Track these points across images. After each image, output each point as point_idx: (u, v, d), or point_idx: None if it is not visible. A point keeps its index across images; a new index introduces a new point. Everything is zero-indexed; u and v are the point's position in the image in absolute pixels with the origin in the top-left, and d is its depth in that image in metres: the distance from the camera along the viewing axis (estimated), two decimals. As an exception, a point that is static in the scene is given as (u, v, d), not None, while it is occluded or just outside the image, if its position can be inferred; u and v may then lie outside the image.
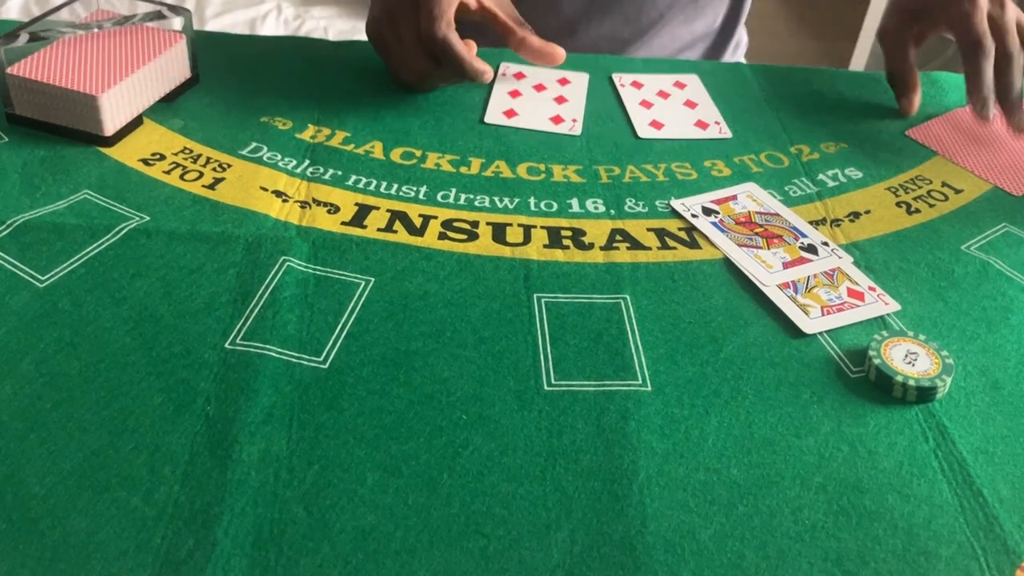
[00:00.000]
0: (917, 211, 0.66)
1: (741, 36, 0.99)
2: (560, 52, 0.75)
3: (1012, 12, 0.72)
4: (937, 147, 0.74)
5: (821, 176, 0.69)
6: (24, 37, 0.65)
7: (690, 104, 0.77)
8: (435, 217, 0.62)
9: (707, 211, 0.64)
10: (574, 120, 0.73)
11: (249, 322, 0.52)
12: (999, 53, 0.71)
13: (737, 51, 1.00)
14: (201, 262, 0.56)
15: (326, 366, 0.50)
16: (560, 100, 0.76)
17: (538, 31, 0.85)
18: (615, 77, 0.79)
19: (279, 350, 0.50)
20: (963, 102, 0.79)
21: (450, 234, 0.60)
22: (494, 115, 0.73)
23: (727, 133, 0.73)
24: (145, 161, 0.64)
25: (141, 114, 0.68)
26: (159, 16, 0.71)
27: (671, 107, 0.76)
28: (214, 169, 0.64)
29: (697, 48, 0.96)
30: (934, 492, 0.46)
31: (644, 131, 0.73)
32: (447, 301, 0.55)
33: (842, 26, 2.61)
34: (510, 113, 0.73)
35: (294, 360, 0.50)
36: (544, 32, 0.87)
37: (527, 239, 0.60)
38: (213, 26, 1.94)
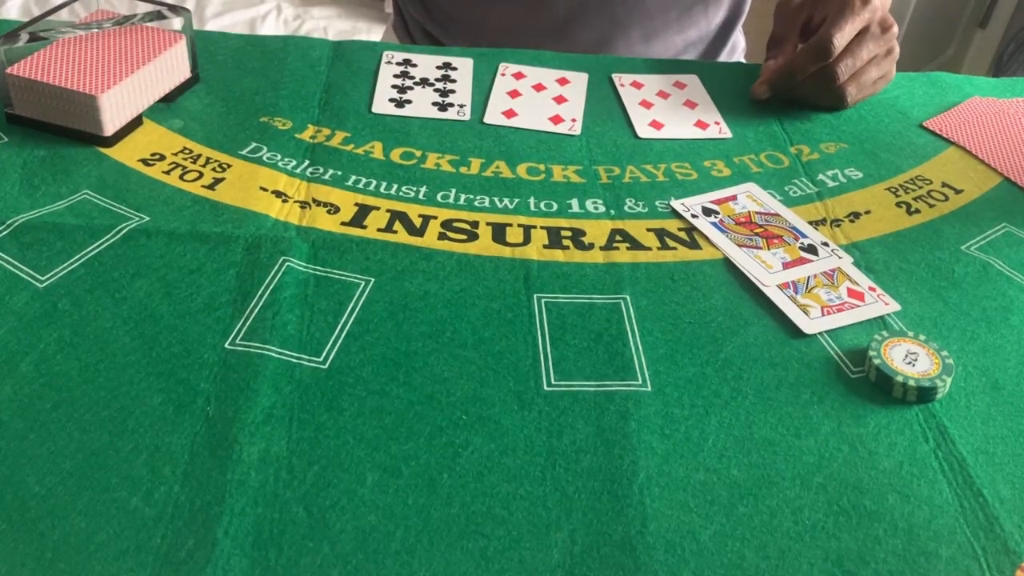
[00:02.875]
0: (917, 211, 0.66)
1: (738, 40, 0.99)
2: None
3: (867, 53, 0.72)
4: (954, 137, 0.74)
5: (821, 176, 0.69)
6: (24, 37, 0.65)
7: (690, 104, 0.76)
8: (435, 217, 0.62)
9: (707, 211, 0.64)
10: (573, 120, 0.73)
11: (249, 322, 0.52)
12: (827, 66, 0.71)
13: (733, 55, 1.00)
14: (201, 262, 0.56)
15: (326, 366, 0.50)
16: (560, 100, 0.76)
17: (528, 33, 0.85)
18: (615, 77, 0.79)
19: (279, 350, 0.50)
20: (962, 100, 0.79)
21: (450, 234, 0.60)
22: (494, 115, 0.73)
23: (727, 133, 0.73)
24: (145, 161, 0.64)
25: (141, 114, 0.68)
26: (159, 16, 0.71)
27: (671, 107, 0.76)
28: (214, 169, 0.64)
29: (689, 54, 0.96)
30: (934, 492, 0.46)
31: (644, 131, 0.73)
32: (447, 301, 0.55)
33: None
34: (510, 113, 0.73)
35: (294, 360, 0.50)
36: (534, 34, 0.87)
37: (527, 239, 0.60)
38: (213, 26, 1.94)
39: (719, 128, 0.74)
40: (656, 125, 0.74)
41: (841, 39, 0.70)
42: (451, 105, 0.74)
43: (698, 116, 0.75)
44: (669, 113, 0.75)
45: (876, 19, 0.72)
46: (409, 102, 0.74)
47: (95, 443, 0.45)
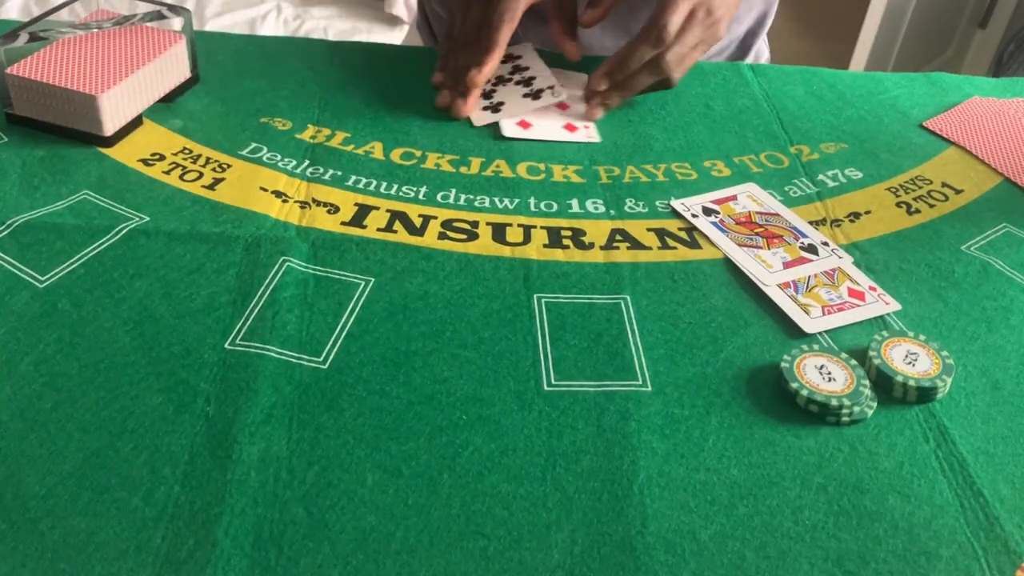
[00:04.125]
0: (917, 211, 0.66)
1: (761, 50, 0.98)
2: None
3: (693, 38, 0.71)
4: (954, 137, 0.74)
5: (821, 176, 0.69)
6: (24, 37, 0.65)
7: (562, 106, 0.75)
8: (435, 217, 0.62)
9: (707, 211, 0.64)
10: (587, 127, 0.73)
11: (249, 322, 0.52)
12: (658, 55, 0.71)
13: (759, 61, 0.99)
14: (201, 262, 0.56)
15: (326, 366, 0.50)
16: (562, 107, 0.75)
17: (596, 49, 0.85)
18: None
19: (279, 350, 0.50)
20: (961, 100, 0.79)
21: (450, 234, 0.60)
22: (510, 128, 0.72)
23: (595, 138, 0.72)
24: (145, 161, 0.64)
25: (141, 114, 0.68)
26: (159, 16, 0.71)
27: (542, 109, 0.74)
28: (214, 169, 0.64)
29: (719, 59, 0.96)
30: (934, 492, 0.46)
31: (510, 131, 0.71)
32: (447, 301, 0.55)
33: (842, 26, 2.61)
34: (524, 124, 0.73)
35: (294, 360, 0.50)
36: (604, 48, 0.87)
37: (527, 239, 0.60)
38: (213, 26, 1.94)
39: (587, 132, 0.72)
40: (524, 125, 0.72)
41: (673, 26, 0.70)
42: (542, 91, 0.74)
43: (568, 119, 0.74)
44: (538, 115, 0.74)
45: (703, 3, 0.71)
46: (503, 103, 0.74)
47: (95, 443, 0.45)
